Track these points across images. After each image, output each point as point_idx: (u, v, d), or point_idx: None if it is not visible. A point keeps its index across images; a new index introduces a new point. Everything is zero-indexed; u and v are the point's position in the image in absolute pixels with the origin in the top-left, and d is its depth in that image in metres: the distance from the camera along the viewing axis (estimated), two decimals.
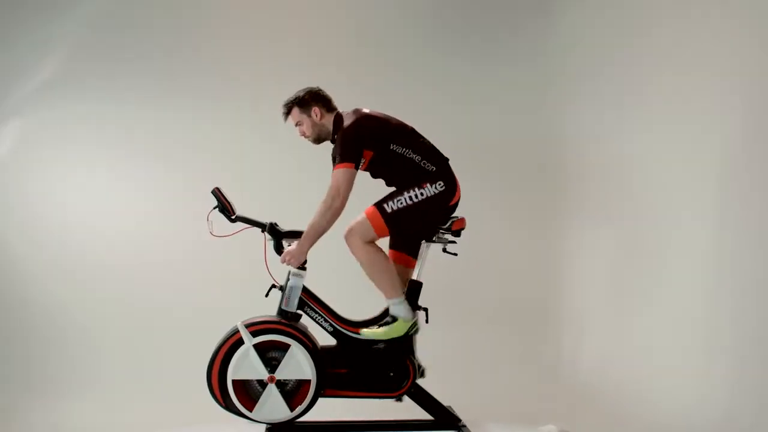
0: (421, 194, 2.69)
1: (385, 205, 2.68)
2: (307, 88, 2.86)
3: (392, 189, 2.86)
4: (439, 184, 2.72)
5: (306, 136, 2.88)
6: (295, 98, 2.84)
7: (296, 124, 2.87)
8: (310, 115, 2.82)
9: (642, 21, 3.69)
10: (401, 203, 2.67)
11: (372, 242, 2.71)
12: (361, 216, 2.70)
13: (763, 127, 2.90)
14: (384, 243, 2.85)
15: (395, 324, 2.74)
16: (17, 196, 4.07)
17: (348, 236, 2.70)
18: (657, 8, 3.59)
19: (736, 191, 3.05)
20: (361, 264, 2.72)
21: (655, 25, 3.58)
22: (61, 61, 4.16)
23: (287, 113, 2.86)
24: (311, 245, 2.72)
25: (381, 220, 2.67)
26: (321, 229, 2.67)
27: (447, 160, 2.83)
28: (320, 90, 2.87)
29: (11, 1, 4.11)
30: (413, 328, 2.78)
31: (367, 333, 2.76)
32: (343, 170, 2.64)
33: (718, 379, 3.04)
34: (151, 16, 4.24)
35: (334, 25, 4.41)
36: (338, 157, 2.66)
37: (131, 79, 4.20)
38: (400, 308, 2.74)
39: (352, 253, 2.72)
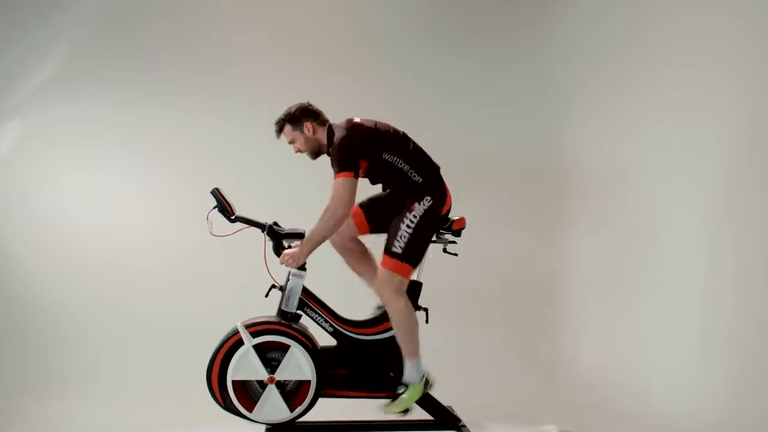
0: (414, 217, 2.70)
1: (393, 249, 2.70)
2: (297, 104, 2.83)
3: (387, 192, 2.89)
4: (426, 200, 2.72)
5: (301, 152, 2.87)
6: (286, 115, 2.81)
7: (290, 142, 2.85)
8: (302, 131, 2.80)
9: (642, 19, 3.69)
10: (404, 238, 2.69)
11: (405, 295, 2.73)
12: (381, 271, 2.72)
13: (764, 129, 2.90)
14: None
15: (410, 390, 2.73)
16: (17, 196, 4.06)
17: (381, 292, 2.73)
18: (656, 8, 3.59)
19: (736, 193, 3.06)
20: (390, 315, 2.74)
21: (655, 23, 3.59)
22: (61, 61, 4.16)
23: (279, 131, 2.84)
24: (311, 251, 2.72)
25: (399, 264, 2.69)
26: (322, 236, 2.67)
27: (437, 168, 2.82)
28: (310, 105, 2.84)
29: (11, 1, 4.11)
30: (429, 386, 2.78)
31: (389, 410, 2.75)
32: (342, 180, 2.62)
33: (718, 379, 3.04)
34: (152, 16, 4.24)
35: (333, 24, 4.41)
36: (336, 168, 2.65)
37: (131, 79, 4.20)
38: (414, 372, 2.74)
39: (385, 306, 2.75)
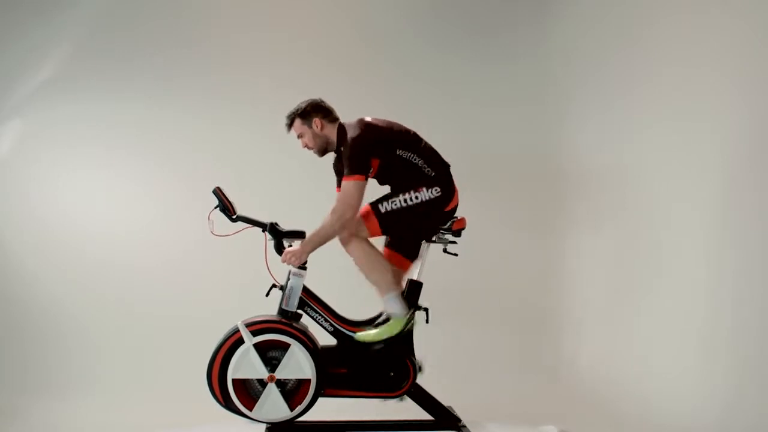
0: (416, 197, 2.70)
1: (380, 206, 2.71)
2: (309, 99, 2.85)
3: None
4: (436, 190, 2.73)
5: (309, 148, 2.88)
6: (297, 110, 2.83)
7: (298, 136, 2.87)
8: (311, 127, 2.81)
9: (642, 18, 3.69)
10: (395, 204, 2.70)
11: (364, 239, 2.73)
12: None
13: (764, 129, 2.90)
14: (379, 243, 2.87)
15: (389, 323, 2.74)
16: (17, 196, 4.06)
17: (343, 236, 2.71)
18: (656, 8, 3.59)
19: (736, 193, 3.05)
20: (355, 260, 2.74)
21: (655, 23, 3.59)
22: (61, 61, 4.16)
23: (290, 125, 2.86)
24: (314, 249, 2.73)
25: (375, 220, 2.69)
26: (327, 236, 2.68)
27: (448, 165, 2.84)
28: (322, 101, 2.86)
29: (11, 1, 4.11)
30: (408, 324, 2.76)
31: (361, 336, 2.75)
32: (354, 183, 2.63)
33: (718, 379, 3.04)
34: (152, 16, 4.24)
35: (334, 24, 4.42)
36: (347, 170, 2.66)
37: (131, 79, 4.20)
38: (393, 304, 2.74)
39: (345, 249, 2.74)
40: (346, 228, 2.67)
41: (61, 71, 4.15)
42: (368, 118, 2.78)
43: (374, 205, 2.72)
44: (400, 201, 2.70)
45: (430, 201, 2.72)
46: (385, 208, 2.69)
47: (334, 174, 3.01)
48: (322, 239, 2.69)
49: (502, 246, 4.32)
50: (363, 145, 2.68)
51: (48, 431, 3.16)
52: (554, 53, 4.39)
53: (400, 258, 2.93)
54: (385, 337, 2.73)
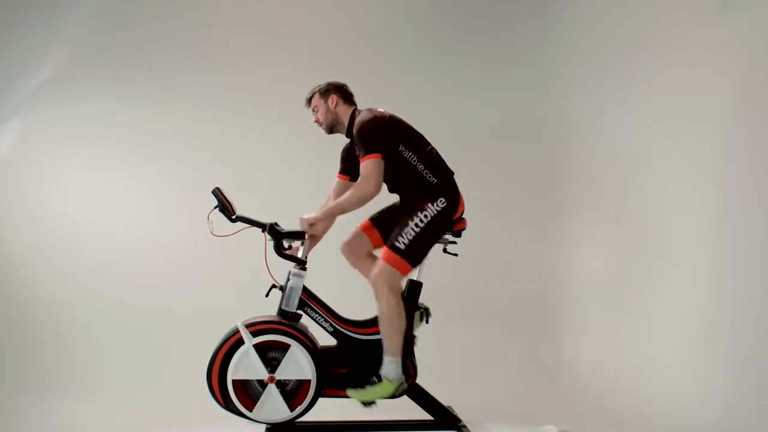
0: (425, 217, 2.71)
1: (397, 243, 2.70)
2: (335, 81, 2.92)
3: (395, 195, 2.88)
4: (441, 201, 2.73)
5: (319, 124, 2.92)
6: (319, 87, 2.91)
7: (313, 110, 2.92)
8: (326, 102, 2.87)
9: (642, 18, 3.69)
10: (410, 235, 2.69)
11: (399, 293, 2.73)
12: (380, 263, 2.72)
13: (764, 129, 2.90)
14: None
15: (382, 384, 2.70)
16: (17, 196, 4.06)
17: (376, 284, 2.71)
18: (656, 8, 3.59)
19: (736, 193, 3.05)
20: (379, 312, 2.73)
21: (655, 23, 3.59)
22: (61, 61, 4.16)
23: (310, 99, 2.92)
24: (327, 218, 2.77)
25: (399, 259, 2.69)
26: (343, 209, 2.71)
27: (452, 173, 2.84)
28: (345, 85, 2.94)
29: (11, 1, 4.11)
30: (399, 389, 2.74)
31: (352, 394, 2.73)
32: (371, 161, 2.66)
33: (718, 379, 3.04)
34: (152, 16, 4.24)
35: (334, 23, 4.42)
36: (362, 152, 2.69)
37: (131, 79, 4.20)
38: (392, 368, 2.72)
39: (376, 299, 2.73)
40: (364, 202, 2.67)
41: (61, 71, 4.15)
42: (380, 109, 2.83)
43: (391, 245, 2.71)
44: (412, 228, 2.70)
45: (439, 214, 2.72)
46: (403, 243, 2.69)
47: (335, 170, 3.03)
48: (338, 211, 2.73)
49: (503, 246, 4.32)
50: (372, 129, 2.70)
51: (48, 431, 3.16)
52: (554, 53, 4.39)
53: (378, 236, 2.93)
54: (374, 398, 2.72)
